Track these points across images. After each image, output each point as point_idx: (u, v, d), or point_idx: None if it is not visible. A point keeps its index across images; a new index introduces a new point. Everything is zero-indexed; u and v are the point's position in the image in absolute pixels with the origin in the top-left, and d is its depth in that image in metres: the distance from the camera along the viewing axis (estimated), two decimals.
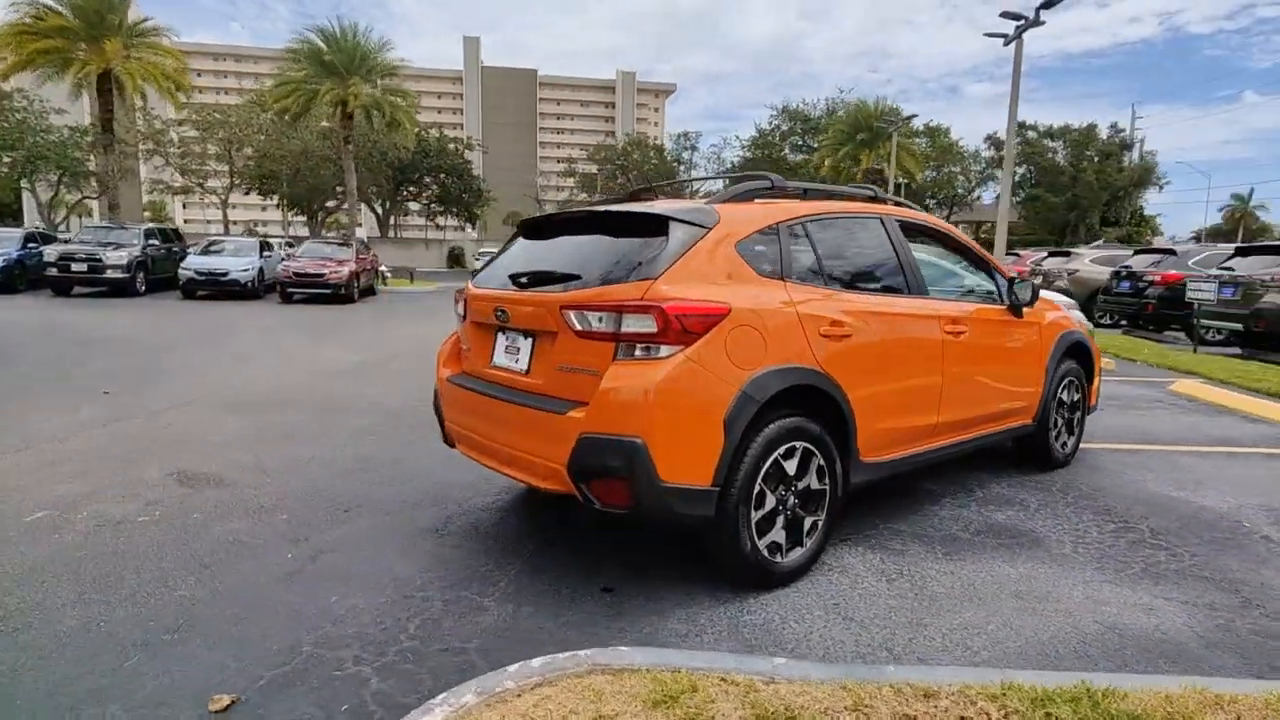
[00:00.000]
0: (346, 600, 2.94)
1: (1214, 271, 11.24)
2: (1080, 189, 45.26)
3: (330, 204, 42.82)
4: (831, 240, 3.53)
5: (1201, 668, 2.54)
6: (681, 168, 49.37)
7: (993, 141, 47.69)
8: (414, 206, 51.24)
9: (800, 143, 47.95)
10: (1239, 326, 10.46)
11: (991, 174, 48.32)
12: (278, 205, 43.45)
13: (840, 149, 39.33)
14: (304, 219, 45.32)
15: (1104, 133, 47.96)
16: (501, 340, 3.38)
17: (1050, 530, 3.82)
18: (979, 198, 50.18)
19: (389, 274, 27.17)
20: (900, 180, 38.26)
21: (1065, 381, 4.84)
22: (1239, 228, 62.49)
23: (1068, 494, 4.41)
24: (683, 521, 2.84)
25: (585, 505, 2.88)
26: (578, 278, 3.05)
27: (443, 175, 45.19)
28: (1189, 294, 10.69)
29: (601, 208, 3.45)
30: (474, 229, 55.46)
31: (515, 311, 3.21)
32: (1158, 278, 12.79)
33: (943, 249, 4.43)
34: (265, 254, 20.43)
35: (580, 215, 3.51)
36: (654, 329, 2.75)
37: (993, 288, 4.41)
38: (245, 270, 18.85)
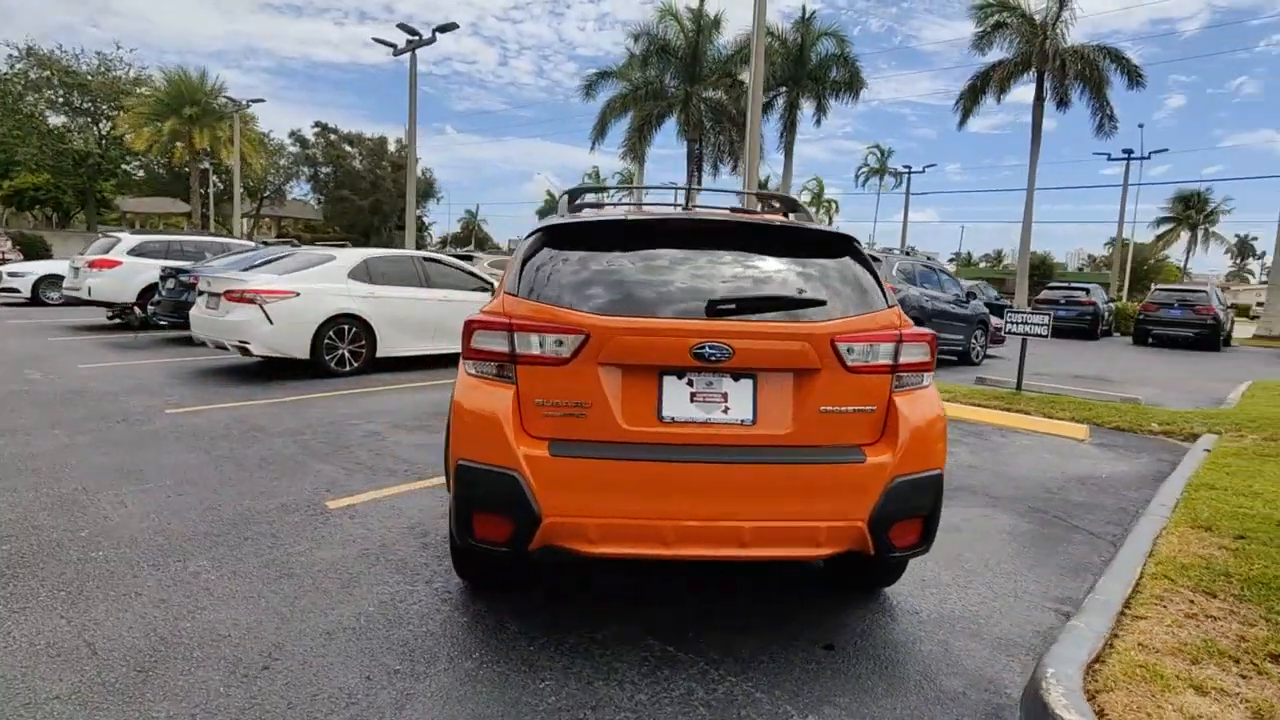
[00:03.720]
0: None
1: None
2: (382, 194, 49.35)
3: None
4: None
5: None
6: None
7: (298, 138, 47.70)
8: None
9: (64, 100, 37.32)
10: None
11: (299, 169, 48.54)
12: None
13: (162, 122, 32.39)
14: None
15: (392, 146, 53.30)
16: (678, 386, 2.55)
17: None
18: (291, 192, 49.28)
19: None
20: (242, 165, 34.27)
21: None
22: (472, 236, 79.79)
23: None
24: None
25: (877, 557, 2.59)
26: (822, 303, 2.64)
27: None
28: None
29: (752, 219, 2.86)
30: None
31: (745, 348, 2.50)
32: None
33: None
34: None
35: (711, 224, 2.85)
36: (926, 356, 2.75)
37: None
38: None
